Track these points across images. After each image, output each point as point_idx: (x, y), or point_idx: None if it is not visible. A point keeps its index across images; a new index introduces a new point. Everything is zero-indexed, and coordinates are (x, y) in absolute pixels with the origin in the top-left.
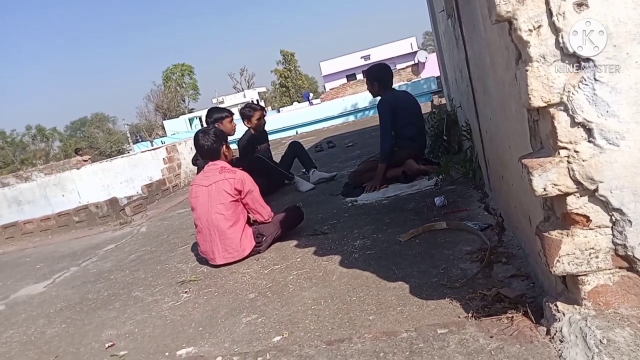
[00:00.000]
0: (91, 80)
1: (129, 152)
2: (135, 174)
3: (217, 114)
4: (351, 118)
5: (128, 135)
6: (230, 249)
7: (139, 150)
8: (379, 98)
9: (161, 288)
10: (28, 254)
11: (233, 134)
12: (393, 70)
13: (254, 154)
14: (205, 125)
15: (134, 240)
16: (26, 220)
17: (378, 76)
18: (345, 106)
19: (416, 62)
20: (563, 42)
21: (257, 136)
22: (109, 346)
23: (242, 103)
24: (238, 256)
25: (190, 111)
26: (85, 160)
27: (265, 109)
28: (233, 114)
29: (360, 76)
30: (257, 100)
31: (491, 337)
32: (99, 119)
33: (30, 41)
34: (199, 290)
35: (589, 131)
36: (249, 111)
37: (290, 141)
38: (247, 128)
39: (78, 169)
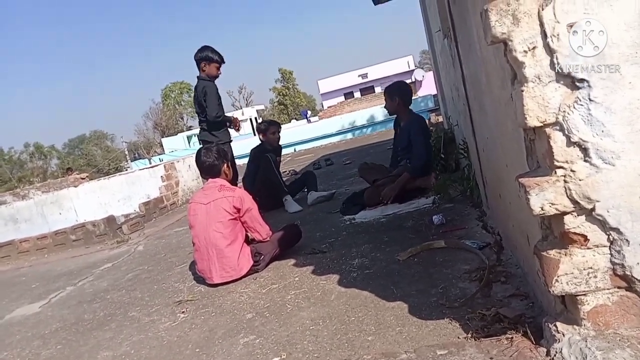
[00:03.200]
0: (90, 98)
1: (126, 170)
2: (133, 192)
3: (208, 53)
4: (349, 136)
5: (126, 152)
6: (228, 268)
7: (137, 167)
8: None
9: (158, 308)
10: (24, 273)
11: (216, 79)
12: None
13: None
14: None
15: (131, 259)
16: (22, 239)
17: (401, 93)
18: (343, 124)
19: (413, 80)
20: (558, 63)
21: (269, 149)
22: None
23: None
24: (235, 275)
25: (189, 129)
26: (82, 178)
27: (279, 123)
28: (224, 61)
29: (357, 94)
30: (256, 118)
31: (491, 358)
32: (97, 137)
33: (28, 59)
34: (196, 310)
35: (585, 151)
36: (265, 126)
37: (306, 171)
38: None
39: (76, 186)
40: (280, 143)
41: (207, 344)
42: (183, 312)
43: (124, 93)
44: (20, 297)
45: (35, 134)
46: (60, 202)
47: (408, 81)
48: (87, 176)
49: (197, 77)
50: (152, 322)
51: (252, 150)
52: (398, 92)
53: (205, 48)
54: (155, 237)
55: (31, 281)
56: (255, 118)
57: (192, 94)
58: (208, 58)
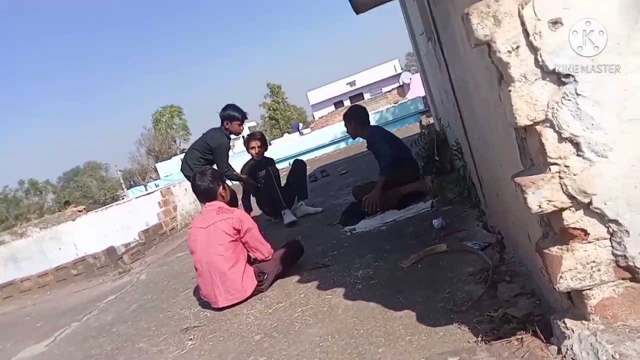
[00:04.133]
0: (81, 129)
1: (123, 198)
2: (132, 221)
3: (230, 112)
4: (342, 145)
5: (122, 181)
6: (232, 290)
7: (134, 195)
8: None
9: (165, 337)
10: (27, 313)
11: (239, 136)
12: (379, 94)
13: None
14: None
15: (134, 289)
16: (23, 278)
17: (354, 115)
18: (335, 133)
19: (401, 83)
20: (542, 60)
21: (255, 164)
22: None
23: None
24: (240, 297)
25: (182, 152)
26: (80, 211)
27: (262, 135)
28: (246, 118)
29: (347, 102)
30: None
31: None
32: (91, 168)
33: (18, 95)
34: (203, 336)
35: (576, 145)
36: (247, 139)
37: (294, 160)
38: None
39: (74, 220)
40: (274, 157)
41: None
42: (191, 339)
43: (115, 121)
44: (25, 337)
45: (29, 170)
46: (59, 238)
47: (396, 85)
48: (84, 208)
49: (216, 128)
50: (161, 352)
51: (246, 166)
52: (351, 116)
53: (228, 107)
54: (157, 264)
55: (35, 320)
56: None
57: (182, 117)
58: (231, 117)
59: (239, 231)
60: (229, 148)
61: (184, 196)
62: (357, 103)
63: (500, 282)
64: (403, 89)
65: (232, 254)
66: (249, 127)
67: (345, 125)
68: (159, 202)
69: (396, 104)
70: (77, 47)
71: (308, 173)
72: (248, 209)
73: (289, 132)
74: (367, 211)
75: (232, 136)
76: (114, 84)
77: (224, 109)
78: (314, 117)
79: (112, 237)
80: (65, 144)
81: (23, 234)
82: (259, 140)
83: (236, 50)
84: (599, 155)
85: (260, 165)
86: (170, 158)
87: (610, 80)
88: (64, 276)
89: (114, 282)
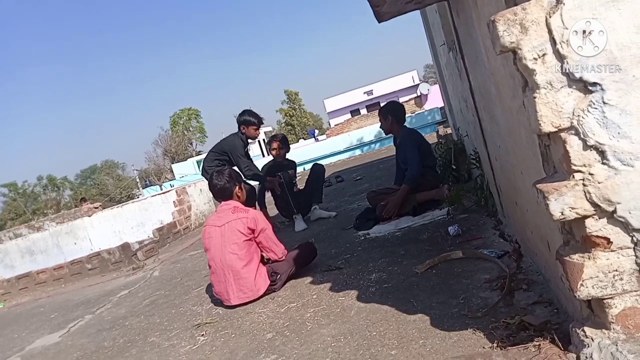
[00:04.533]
0: (100, 128)
1: (138, 197)
2: (146, 218)
3: (247, 117)
4: (357, 152)
5: (137, 180)
6: (245, 289)
7: (149, 194)
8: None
9: (177, 332)
10: (42, 304)
11: (255, 140)
12: None
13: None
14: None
15: (148, 284)
16: (39, 270)
17: (394, 111)
18: (351, 141)
19: (419, 94)
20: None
21: (276, 165)
22: None
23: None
24: (253, 296)
25: (198, 154)
26: (96, 207)
27: (283, 137)
28: (262, 122)
29: (364, 111)
30: (264, 140)
31: None
32: (108, 166)
33: (39, 93)
34: (215, 333)
35: (602, 153)
36: (269, 140)
37: (313, 164)
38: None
39: (89, 216)
40: (291, 158)
41: None
42: (203, 335)
43: (133, 122)
44: (39, 327)
45: (47, 167)
46: (74, 232)
47: (413, 95)
48: (100, 205)
49: (234, 133)
50: (173, 347)
51: (265, 166)
52: (390, 111)
53: (244, 112)
54: (170, 262)
55: (50, 311)
56: (264, 140)
57: (199, 120)
58: (247, 121)
59: (253, 231)
60: (244, 148)
61: (199, 196)
62: (394, 100)
63: (517, 290)
64: (421, 100)
65: (246, 253)
66: (265, 132)
67: (380, 120)
68: (174, 202)
69: (413, 114)
70: (99, 47)
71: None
72: (263, 207)
73: (304, 138)
74: (385, 216)
75: (250, 140)
76: (133, 84)
77: (240, 114)
78: (329, 124)
79: (126, 234)
80: (84, 142)
81: (40, 228)
82: (279, 141)
83: (255, 56)
84: (624, 164)
85: (281, 167)
86: (186, 160)
87: (639, 90)
88: (79, 270)
89: (128, 278)
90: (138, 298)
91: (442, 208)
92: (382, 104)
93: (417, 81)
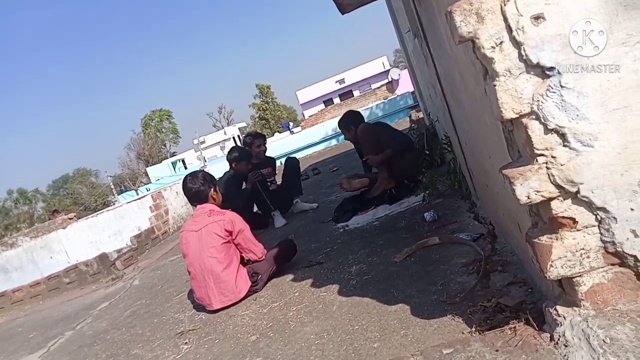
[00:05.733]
0: (70, 136)
1: (114, 204)
2: (123, 226)
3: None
4: (333, 142)
5: (112, 186)
6: (227, 292)
7: (125, 200)
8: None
9: (160, 342)
10: (20, 324)
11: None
12: (368, 91)
13: (238, 193)
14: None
15: (128, 295)
16: (15, 289)
17: (352, 121)
18: (326, 131)
19: (390, 80)
20: (526, 55)
21: (238, 176)
22: None
23: (224, 140)
24: (235, 298)
25: (173, 155)
26: (70, 218)
27: (264, 135)
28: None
29: (337, 100)
30: (239, 136)
31: (497, 350)
32: (81, 174)
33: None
34: (199, 340)
35: (562, 136)
36: (249, 139)
37: (286, 158)
38: (226, 170)
39: (64, 227)
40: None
41: None
42: (186, 343)
43: (103, 127)
44: (18, 349)
45: (17, 180)
46: (50, 246)
47: (385, 81)
48: (74, 215)
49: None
50: (156, 358)
51: (224, 180)
52: (350, 122)
53: (234, 149)
54: (150, 269)
55: (28, 331)
56: (239, 136)
57: (172, 120)
58: (237, 158)
59: (231, 233)
60: (231, 182)
61: (176, 199)
62: (350, 109)
63: (493, 272)
64: (392, 85)
65: (225, 255)
66: (239, 128)
67: (344, 133)
68: (150, 207)
69: (386, 100)
70: (62, 52)
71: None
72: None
73: (279, 132)
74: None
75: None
76: (100, 88)
77: (229, 152)
78: (304, 116)
79: (104, 244)
80: (54, 151)
81: (13, 244)
82: (264, 138)
83: (224, 51)
84: (584, 145)
85: (261, 166)
86: (161, 162)
87: (594, 73)
88: (57, 285)
89: (107, 289)
90: (119, 309)
91: (417, 194)
92: (354, 91)
93: (387, 67)
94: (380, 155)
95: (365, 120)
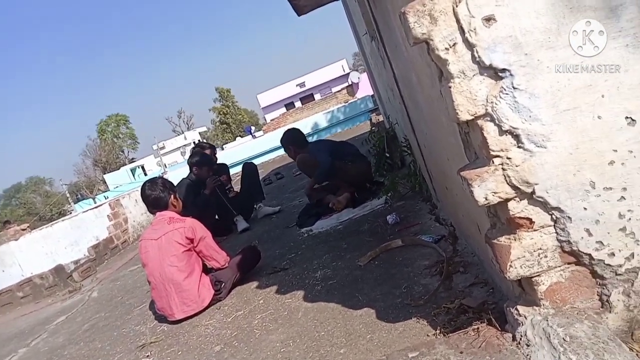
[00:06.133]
0: (21, 143)
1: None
2: (80, 236)
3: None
4: None
5: (68, 195)
6: (189, 302)
7: (81, 209)
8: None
9: (120, 356)
10: None
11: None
12: (329, 94)
13: (198, 198)
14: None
15: (86, 307)
16: None
17: (290, 141)
18: None
19: (350, 83)
20: (479, 56)
21: (196, 182)
22: None
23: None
24: (198, 308)
25: (132, 161)
26: (23, 229)
27: (214, 145)
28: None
29: (298, 104)
30: (199, 141)
31: (461, 352)
32: (34, 183)
33: None
34: (161, 352)
35: (516, 137)
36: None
37: (244, 164)
38: (183, 177)
39: (17, 239)
40: (228, 162)
41: None
42: (148, 356)
43: (57, 133)
44: None
45: None
46: (1, 259)
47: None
48: (27, 226)
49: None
50: None
51: (184, 184)
52: (288, 142)
53: (195, 154)
54: (109, 280)
55: None
56: (199, 140)
57: (129, 125)
58: (198, 163)
59: (192, 240)
60: (187, 187)
61: (135, 207)
62: (289, 128)
63: (455, 273)
64: (352, 88)
65: (186, 264)
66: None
67: (285, 151)
68: (108, 215)
69: (346, 103)
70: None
71: (263, 176)
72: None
73: (241, 136)
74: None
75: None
76: (53, 92)
77: (191, 157)
78: (265, 120)
79: (60, 255)
80: (4, 159)
81: None
82: (211, 148)
83: (182, 54)
84: (538, 146)
85: (217, 173)
86: (119, 168)
87: (544, 73)
88: (9, 299)
89: (64, 302)
90: (76, 323)
91: (380, 197)
92: (315, 95)
93: (347, 70)
94: (308, 185)
95: (324, 125)
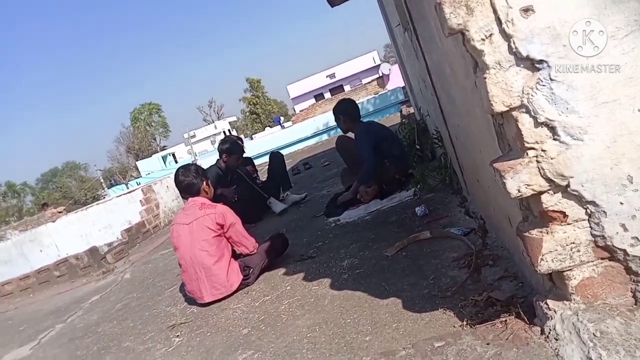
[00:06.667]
0: (58, 130)
1: (104, 198)
2: (113, 220)
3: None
4: (324, 137)
5: (102, 180)
6: (218, 285)
7: (115, 194)
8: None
9: (152, 335)
10: (10, 317)
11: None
12: (359, 85)
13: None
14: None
15: (119, 288)
16: (4, 282)
17: (343, 111)
18: (317, 126)
19: (380, 74)
20: (516, 47)
21: (225, 171)
22: None
23: (214, 135)
24: (226, 292)
25: (163, 149)
26: (60, 212)
27: (241, 137)
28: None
29: (328, 95)
30: (229, 130)
31: (488, 344)
32: (70, 168)
33: None
34: (190, 332)
35: (552, 129)
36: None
37: (271, 153)
38: (211, 165)
39: (54, 221)
40: (256, 152)
41: None
42: (178, 335)
43: (92, 121)
44: (9, 341)
45: (5, 173)
46: (39, 239)
47: (375, 76)
48: (64, 209)
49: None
50: (148, 350)
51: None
52: (341, 111)
53: (226, 141)
54: (141, 262)
55: (18, 324)
56: (229, 130)
57: (161, 114)
58: (229, 150)
59: (222, 226)
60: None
61: (166, 193)
62: (345, 97)
63: (484, 266)
64: (383, 80)
65: (216, 249)
66: (229, 122)
67: (336, 121)
68: (140, 200)
69: (376, 95)
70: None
71: (291, 166)
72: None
73: (270, 126)
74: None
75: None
76: (89, 82)
77: (222, 143)
78: (294, 110)
79: (94, 237)
80: (43, 144)
81: (2, 237)
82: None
83: (214, 45)
84: (574, 139)
85: (246, 164)
86: (151, 156)
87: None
88: (47, 278)
89: (98, 282)
90: (110, 303)
91: (409, 189)
92: (345, 86)
93: (378, 61)
94: (351, 192)
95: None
